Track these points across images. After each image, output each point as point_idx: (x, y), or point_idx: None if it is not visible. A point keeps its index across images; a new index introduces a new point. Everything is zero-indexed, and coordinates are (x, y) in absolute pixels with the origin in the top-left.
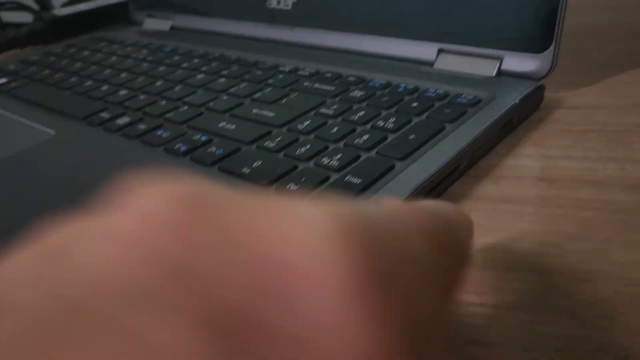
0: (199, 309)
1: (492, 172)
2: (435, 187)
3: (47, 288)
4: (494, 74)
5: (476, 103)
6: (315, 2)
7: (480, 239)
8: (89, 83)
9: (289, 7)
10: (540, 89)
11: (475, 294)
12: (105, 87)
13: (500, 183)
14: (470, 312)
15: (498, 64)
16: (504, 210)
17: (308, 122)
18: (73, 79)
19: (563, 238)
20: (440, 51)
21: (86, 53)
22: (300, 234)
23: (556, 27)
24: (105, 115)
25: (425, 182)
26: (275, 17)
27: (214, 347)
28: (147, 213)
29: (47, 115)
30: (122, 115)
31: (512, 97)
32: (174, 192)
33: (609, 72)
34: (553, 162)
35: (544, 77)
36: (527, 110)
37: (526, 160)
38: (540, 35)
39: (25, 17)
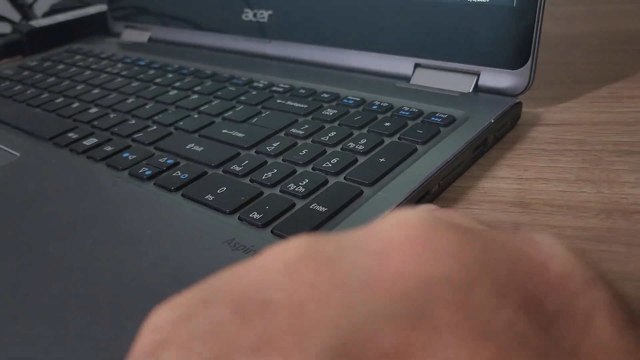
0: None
1: (465, 195)
2: None
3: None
4: (470, 90)
5: (450, 122)
6: (291, 15)
7: None
8: (60, 100)
9: (265, 20)
10: (517, 106)
11: None
12: (76, 105)
13: (472, 208)
14: None
15: (475, 80)
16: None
17: (277, 144)
18: (44, 96)
19: None
20: (417, 66)
21: (61, 67)
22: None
23: (532, 44)
24: (72, 135)
25: (394, 210)
26: (252, 30)
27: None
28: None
29: (14, 135)
30: (89, 135)
31: (487, 116)
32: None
33: (590, 86)
34: (528, 185)
35: (521, 93)
36: (503, 129)
37: (500, 182)
38: (516, 51)
39: (3, 28)
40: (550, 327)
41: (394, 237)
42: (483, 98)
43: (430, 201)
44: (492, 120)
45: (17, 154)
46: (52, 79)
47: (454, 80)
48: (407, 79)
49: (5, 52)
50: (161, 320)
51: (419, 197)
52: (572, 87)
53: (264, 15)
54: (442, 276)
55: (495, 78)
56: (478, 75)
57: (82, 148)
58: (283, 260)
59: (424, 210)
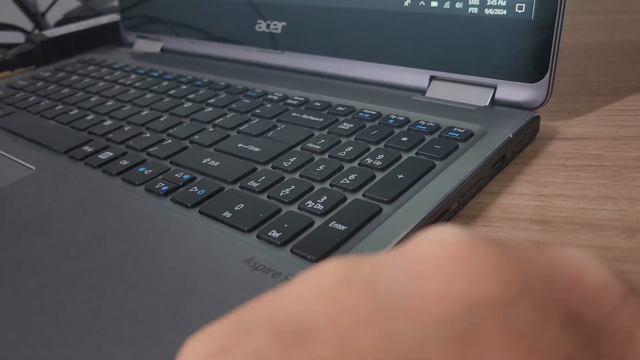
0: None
1: (484, 212)
2: None
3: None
4: (487, 103)
5: (468, 137)
6: (305, 27)
7: None
8: (74, 112)
9: (279, 31)
10: (536, 120)
11: None
12: (90, 117)
13: (492, 225)
14: None
15: (492, 93)
16: None
17: (294, 159)
18: (58, 107)
19: None
20: (432, 78)
21: (74, 77)
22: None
23: (551, 57)
24: (87, 149)
25: (415, 228)
26: (265, 41)
27: None
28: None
29: (30, 148)
30: (105, 149)
31: (505, 131)
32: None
33: (608, 99)
34: (548, 202)
35: (538, 107)
36: (522, 143)
37: (519, 199)
38: (534, 64)
39: (16, 38)
40: (596, 343)
41: (431, 257)
42: (500, 112)
43: (449, 219)
44: (511, 135)
45: (33, 167)
46: (66, 90)
47: (470, 94)
48: (423, 91)
49: (18, 62)
50: (198, 354)
51: (439, 215)
52: (589, 100)
53: (277, 26)
54: (484, 296)
55: (513, 91)
56: (495, 88)
57: (97, 162)
58: (319, 284)
59: (457, 228)
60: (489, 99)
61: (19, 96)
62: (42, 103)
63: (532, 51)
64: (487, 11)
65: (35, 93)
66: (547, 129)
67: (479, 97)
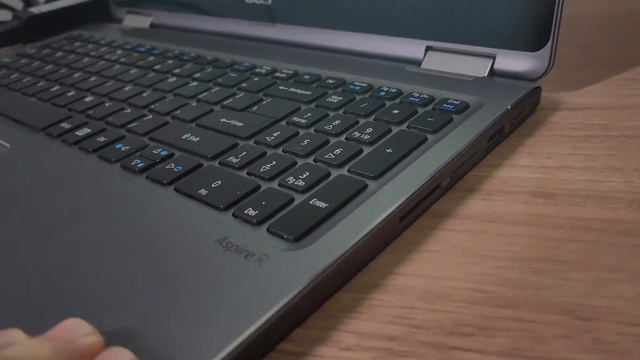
0: None
1: (483, 185)
2: (413, 208)
3: None
4: (485, 74)
5: (463, 109)
6: None
7: (468, 267)
8: (56, 88)
9: (269, 2)
10: (537, 91)
11: (459, 335)
12: (71, 93)
13: (491, 199)
14: (453, 357)
15: (490, 64)
16: (494, 232)
17: (278, 134)
18: (40, 84)
19: (561, 266)
20: (428, 49)
21: (59, 54)
22: None
23: (553, 24)
24: (65, 125)
25: (400, 206)
26: (256, 14)
27: None
28: None
29: (6, 126)
30: (83, 125)
31: (504, 102)
32: None
33: (615, 68)
34: (551, 174)
35: (540, 77)
36: (522, 116)
37: (520, 171)
38: (535, 32)
39: (4, 16)
40: None
41: None
42: (499, 83)
43: (441, 195)
44: (509, 107)
45: (8, 145)
46: (49, 67)
47: (468, 64)
48: (418, 63)
49: (5, 40)
50: None
51: (429, 190)
52: (595, 69)
53: None
54: None
55: (513, 61)
56: (494, 58)
57: (74, 139)
58: None
59: None
60: (488, 69)
61: (1, 73)
62: (24, 80)
63: (533, 18)
64: None
65: (18, 70)
66: (549, 100)
67: (477, 67)
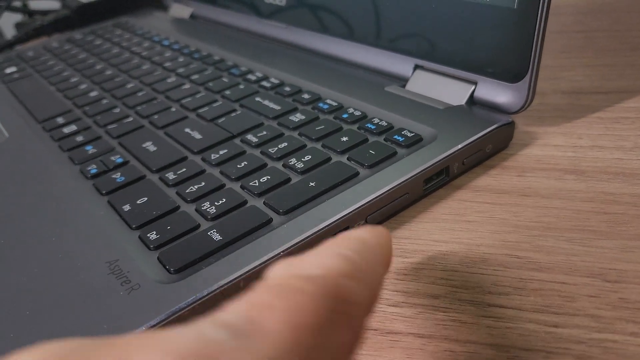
0: None
1: (518, 163)
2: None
3: None
4: (464, 102)
5: (413, 143)
6: (304, 1)
7: (505, 235)
8: (74, 79)
9: (283, 4)
10: (507, 127)
11: (497, 294)
12: (84, 86)
13: (526, 175)
14: (491, 313)
15: (471, 91)
16: (528, 205)
17: (224, 152)
18: (65, 73)
19: (591, 235)
20: (417, 67)
21: (98, 42)
22: None
23: (532, 53)
24: (59, 120)
25: (290, 247)
26: (273, 13)
27: None
28: None
29: (17, 115)
30: (73, 122)
31: (458, 140)
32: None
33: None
34: (582, 153)
35: (517, 112)
36: (479, 154)
37: (554, 150)
38: (514, 62)
39: (52, 4)
40: None
41: None
42: (474, 114)
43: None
44: (460, 147)
45: (7, 135)
46: (83, 56)
47: (450, 89)
48: (406, 80)
49: (55, 27)
50: None
51: (336, 231)
52: (627, 54)
53: None
54: None
55: (491, 90)
56: (475, 85)
57: (59, 135)
58: None
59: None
60: (467, 97)
61: (43, 59)
62: (55, 68)
63: (512, 46)
64: None
65: (58, 57)
66: (584, 84)
67: (458, 93)
